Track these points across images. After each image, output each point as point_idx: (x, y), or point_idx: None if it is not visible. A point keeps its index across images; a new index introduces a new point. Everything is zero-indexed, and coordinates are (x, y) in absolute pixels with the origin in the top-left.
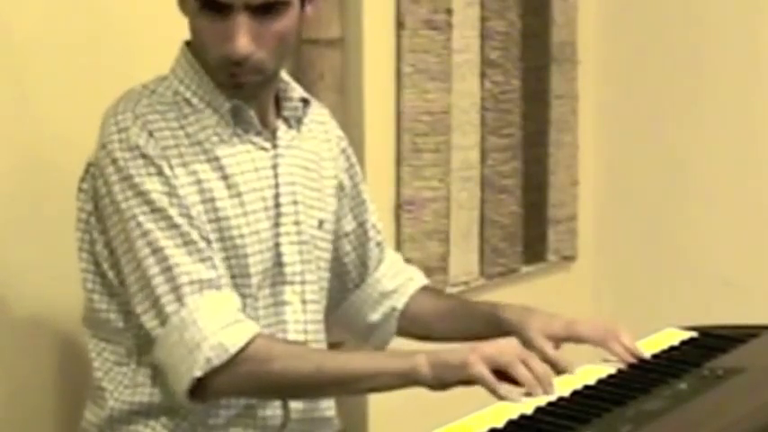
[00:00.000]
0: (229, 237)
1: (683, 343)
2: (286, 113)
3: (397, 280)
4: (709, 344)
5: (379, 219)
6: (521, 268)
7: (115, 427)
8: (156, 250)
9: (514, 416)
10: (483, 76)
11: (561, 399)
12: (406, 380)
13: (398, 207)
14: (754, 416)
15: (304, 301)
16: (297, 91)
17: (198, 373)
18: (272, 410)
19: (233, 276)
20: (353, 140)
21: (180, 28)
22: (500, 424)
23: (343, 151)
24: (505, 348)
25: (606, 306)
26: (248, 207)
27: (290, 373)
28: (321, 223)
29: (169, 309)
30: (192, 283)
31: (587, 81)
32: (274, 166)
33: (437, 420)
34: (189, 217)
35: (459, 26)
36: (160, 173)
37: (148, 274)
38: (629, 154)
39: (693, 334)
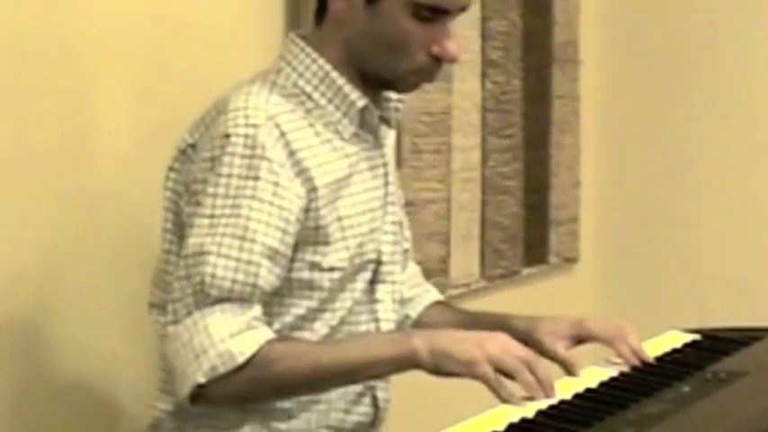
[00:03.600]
0: (352, 236)
1: (686, 346)
2: (385, 113)
3: (414, 290)
4: (713, 347)
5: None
6: (522, 270)
7: (188, 415)
8: (210, 253)
9: (515, 419)
10: (484, 76)
11: (563, 401)
12: (405, 365)
13: None
14: (758, 419)
15: (393, 301)
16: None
17: (201, 380)
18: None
19: (350, 274)
20: None
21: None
22: (501, 427)
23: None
24: (510, 349)
25: (608, 308)
26: (367, 206)
27: (289, 374)
28: (400, 224)
29: (185, 310)
30: (220, 296)
31: (589, 81)
32: (384, 165)
33: (438, 422)
34: (283, 231)
35: (460, 26)
36: (276, 182)
37: (191, 270)
38: (631, 155)
39: (696, 336)
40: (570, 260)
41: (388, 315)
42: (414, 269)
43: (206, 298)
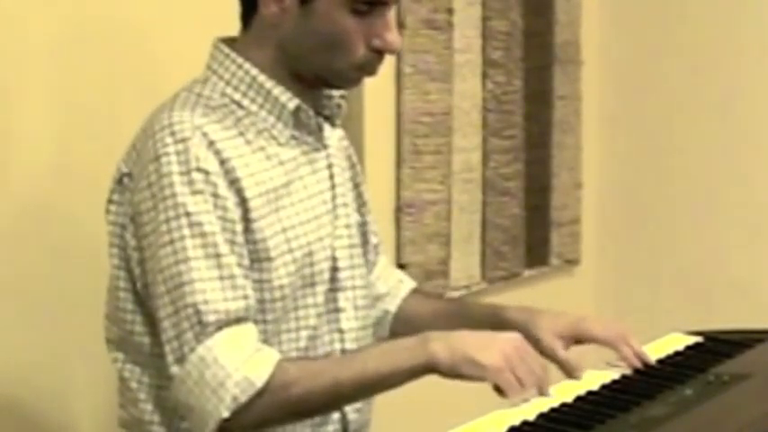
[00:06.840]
0: (298, 246)
1: (688, 348)
2: (327, 112)
3: (388, 283)
4: (715, 349)
5: (378, 221)
6: (523, 272)
7: None
8: (193, 281)
9: (516, 422)
10: (485, 76)
11: (564, 404)
12: (424, 372)
13: (399, 210)
14: (761, 422)
15: (356, 308)
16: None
17: (225, 414)
18: None
19: (300, 287)
20: (353, 142)
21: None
22: (501, 429)
23: (346, 149)
24: (530, 361)
25: (609, 310)
26: (312, 213)
27: (309, 395)
28: (358, 225)
29: (188, 347)
30: (218, 321)
31: (590, 82)
32: (329, 167)
33: (438, 424)
34: (232, 243)
35: (461, 26)
36: (215, 193)
37: (179, 303)
38: (632, 156)
39: (698, 339)
40: (571, 262)
41: (351, 324)
42: (382, 260)
43: (205, 328)
